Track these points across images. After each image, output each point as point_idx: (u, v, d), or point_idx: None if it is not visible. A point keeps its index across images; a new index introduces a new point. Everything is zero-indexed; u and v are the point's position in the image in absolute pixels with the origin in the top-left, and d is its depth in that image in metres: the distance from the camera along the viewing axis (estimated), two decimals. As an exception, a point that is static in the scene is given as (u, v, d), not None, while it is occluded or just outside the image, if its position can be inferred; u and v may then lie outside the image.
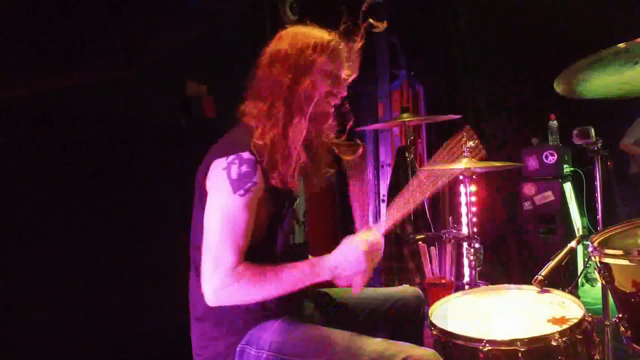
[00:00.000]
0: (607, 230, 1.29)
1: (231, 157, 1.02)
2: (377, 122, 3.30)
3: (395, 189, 2.69)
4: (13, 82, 1.56)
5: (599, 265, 1.18)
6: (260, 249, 1.07)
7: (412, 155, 2.27)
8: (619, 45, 1.11)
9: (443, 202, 3.24)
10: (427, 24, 4.01)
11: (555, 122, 3.86)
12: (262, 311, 1.10)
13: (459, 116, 2.28)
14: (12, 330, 1.46)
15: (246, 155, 1.02)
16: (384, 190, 3.15)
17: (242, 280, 0.98)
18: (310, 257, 1.30)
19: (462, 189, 2.26)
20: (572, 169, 3.82)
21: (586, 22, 4.03)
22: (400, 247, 2.42)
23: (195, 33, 1.98)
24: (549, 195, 3.71)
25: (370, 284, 1.16)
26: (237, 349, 1.08)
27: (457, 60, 4.36)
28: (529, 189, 3.80)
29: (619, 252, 1.10)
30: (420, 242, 2.12)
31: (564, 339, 1.10)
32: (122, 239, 1.76)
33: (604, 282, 1.16)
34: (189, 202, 1.14)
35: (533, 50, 4.27)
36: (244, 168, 1.01)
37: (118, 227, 1.75)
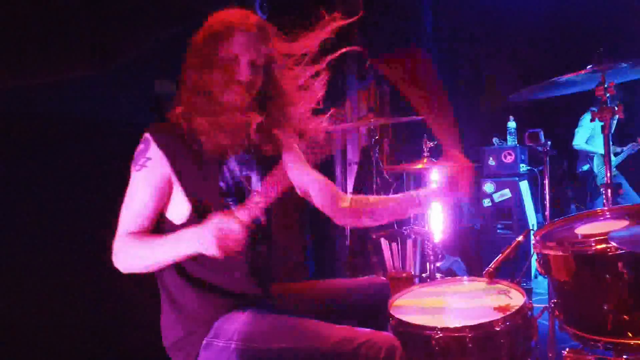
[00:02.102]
0: (548, 225, 1.41)
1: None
2: (345, 120, 3.37)
3: (360, 186, 2.77)
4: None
5: (539, 256, 1.29)
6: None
7: (376, 155, 2.35)
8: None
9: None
10: (394, 24, 4.12)
11: (513, 123, 4.06)
12: (226, 301, 1.13)
13: (421, 117, 2.37)
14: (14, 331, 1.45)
15: (144, 135, 1.13)
16: (350, 187, 3.23)
17: (127, 245, 1.08)
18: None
19: (424, 186, 2.35)
20: (527, 168, 4.03)
21: (543, 32, 4.27)
22: (363, 243, 2.51)
23: (168, 32, 1.98)
24: (507, 193, 3.92)
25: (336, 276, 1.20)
26: (204, 342, 1.09)
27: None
28: (488, 186, 3.99)
29: (555, 244, 1.22)
30: (382, 238, 2.21)
31: (506, 324, 1.20)
32: (94, 237, 1.74)
33: (542, 272, 1.27)
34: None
35: (495, 54, 4.48)
36: (140, 147, 1.12)
37: (87, 226, 1.73)
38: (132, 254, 1.08)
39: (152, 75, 2.03)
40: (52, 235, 1.61)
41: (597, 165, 4.11)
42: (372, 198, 1.39)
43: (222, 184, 1.16)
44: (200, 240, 1.00)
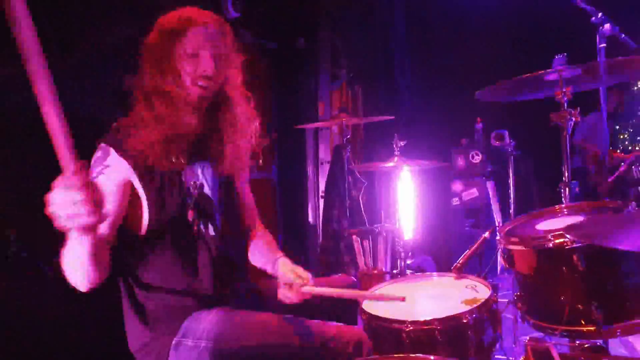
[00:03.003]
0: (512, 222, 1.49)
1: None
2: (318, 120, 3.40)
3: (332, 185, 2.80)
4: None
5: (504, 251, 1.35)
6: (155, 236, 1.11)
7: (348, 153, 2.39)
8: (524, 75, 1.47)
9: (379, 198, 3.43)
10: (367, 26, 4.18)
11: (480, 125, 4.21)
12: (193, 303, 1.13)
13: (392, 117, 2.44)
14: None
15: (101, 145, 1.09)
16: (322, 186, 3.27)
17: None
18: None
19: (395, 185, 2.41)
20: (494, 168, 4.18)
21: (508, 40, 4.45)
22: (336, 241, 2.54)
23: (135, 27, 1.94)
24: (474, 192, 4.06)
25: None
26: (173, 342, 1.09)
27: (395, 64, 4.59)
28: (457, 186, 4.12)
29: (517, 239, 1.29)
30: (354, 236, 2.25)
31: (473, 316, 1.25)
32: (48, 238, 1.69)
33: (507, 266, 1.34)
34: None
35: (464, 57, 4.62)
36: (98, 154, 1.09)
37: (42, 226, 1.67)
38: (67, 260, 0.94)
39: (115, 71, 1.98)
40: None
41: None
42: (265, 239, 1.39)
43: (183, 193, 1.14)
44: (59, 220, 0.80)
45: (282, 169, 3.16)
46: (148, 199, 1.10)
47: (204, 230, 1.18)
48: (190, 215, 1.15)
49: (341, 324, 1.14)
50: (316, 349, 1.05)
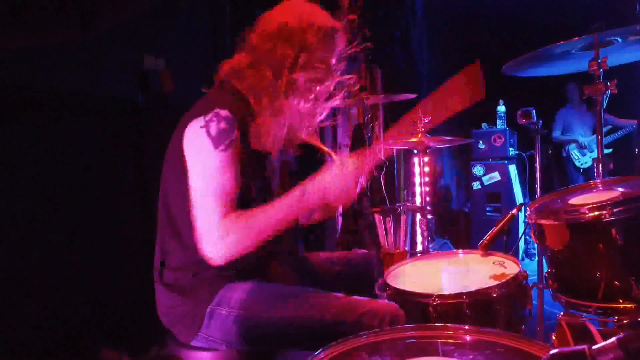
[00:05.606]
0: (540, 198, 1.43)
1: (209, 115, 1.03)
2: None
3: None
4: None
5: (534, 227, 1.31)
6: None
7: (369, 134, 2.34)
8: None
9: (399, 177, 3.37)
10: (384, 7, 4.08)
11: (503, 107, 4.09)
12: (230, 273, 1.12)
13: (414, 95, 2.37)
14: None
15: (224, 112, 1.04)
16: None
17: (235, 227, 1.00)
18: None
19: (415, 163, 2.37)
20: (516, 152, 4.08)
21: (530, 16, 4.29)
22: (356, 220, 2.51)
23: (153, 3, 1.92)
24: (496, 176, 3.97)
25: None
26: (207, 310, 1.09)
27: (414, 44, 4.49)
28: (477, 169, 4.03)
29: (550, 213, 1.24)
30: (376, 215, 2.22)
31: (502, 290, 1.22)
32: (77, 214, 1.71)
33: (537, 242, 1.29)
34: (146, 174, 1.13)
35: (485, 38, 4.48)
36: (222, 125, 1.03)
37: (70, 204, 1.69)
38: (251, 227, 1.02)
39: (135, 47, 1.96)
40: (27, 214, 1.55)
41: (572, 149, 4.34)
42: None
43: (266, 175, 1.17)
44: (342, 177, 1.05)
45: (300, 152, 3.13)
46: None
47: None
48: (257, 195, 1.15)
49: (376, 299, 1.12)
50: (350, 324, 1.02)
